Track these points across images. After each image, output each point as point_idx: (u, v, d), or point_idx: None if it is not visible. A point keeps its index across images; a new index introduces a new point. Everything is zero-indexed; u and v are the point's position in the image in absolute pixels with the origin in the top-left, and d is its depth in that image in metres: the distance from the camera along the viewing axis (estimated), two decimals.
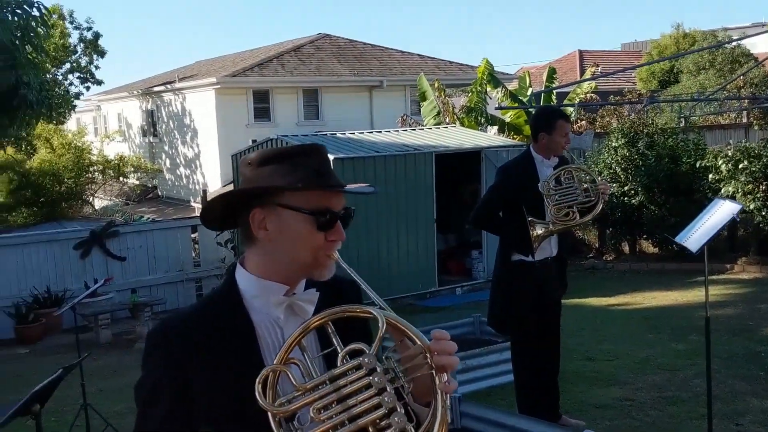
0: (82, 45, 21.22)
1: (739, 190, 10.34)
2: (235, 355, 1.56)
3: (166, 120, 21.24)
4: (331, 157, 9.98)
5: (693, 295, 9.25)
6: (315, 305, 1.64)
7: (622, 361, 6.61)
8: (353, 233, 10.25)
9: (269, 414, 1.44)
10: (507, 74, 21.91)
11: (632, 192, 11.71)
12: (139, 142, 22.68)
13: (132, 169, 18.36)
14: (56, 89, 19.81)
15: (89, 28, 21.35)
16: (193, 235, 12.83)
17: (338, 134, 11.78)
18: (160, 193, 21.41)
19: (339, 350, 1.50)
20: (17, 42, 8.74)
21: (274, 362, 1.49)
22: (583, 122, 13.82)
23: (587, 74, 14.90)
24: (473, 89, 14.12)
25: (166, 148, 21.16)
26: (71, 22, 21.23)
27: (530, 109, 13.19)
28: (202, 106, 19.18)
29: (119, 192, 21.11)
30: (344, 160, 10.08)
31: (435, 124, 13.93)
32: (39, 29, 9.00)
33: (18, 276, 11.06)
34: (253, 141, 13.16)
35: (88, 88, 21.45)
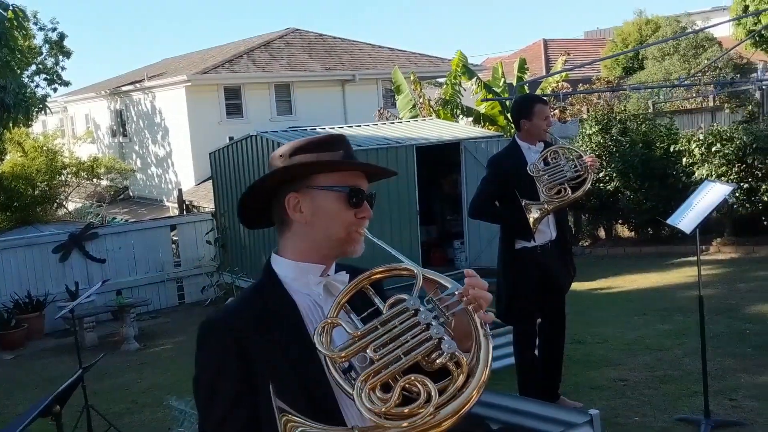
0: (47, 46, 20.90)
1: (713, 173, 10.57)
2: (285, 333, 1.67)
3: (135, 119, 21.02)
4: None
5: (672, 277, 9.49)
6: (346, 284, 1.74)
7: (612, 343, 6.78)
8: None
9: (328, 361, 1.55)
10: (475, 65, 22.07)
11: (607, 178, 11.91)
12: (108, 142, 22.42)
13: (105, 170, 18.15)
14: (23, 92, 19.47)
15: (54, 29, 21.02)
16: (172, 235, 12.77)
17: (318, 129, 11.80)
18: (131, 194, 21.21)
19: (381, 306, 1.63)
20: None
21: (328, 315, 1.61)
22: (556, 111, 14.00)
23: (558, 63, 15.09)
24: (448, 81, 14.23)
25: (137, 147, 20.95)
26: (35, 23, 20.87)
27: (507, 101, 13.34)
28: (172, 104, 19.02)
29: (92, 193, 20.84)
30: None
31: (411, 117, 14.02)
32: (14, 31, 8.89)
33: None
34: (230, 138, 13.09)
35: (55, 90, 21.18)
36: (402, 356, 1.53)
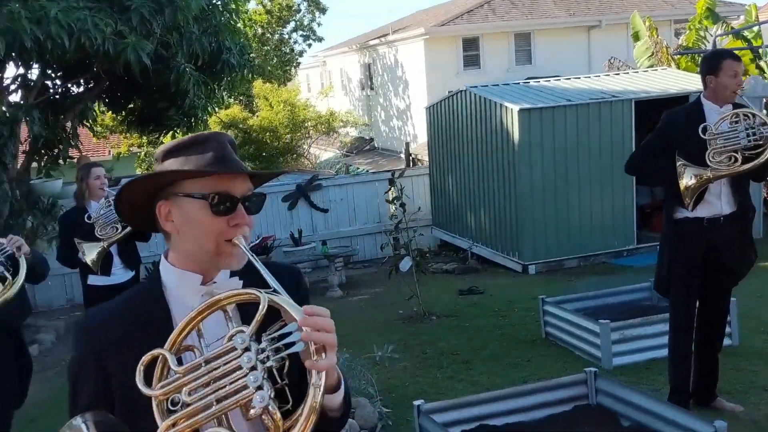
0: (305, 4, 22.32)
1: None
2: (150, 343, 1.55)
3: (381, 73, 21.77)
4: (515, 108, 9.65)
5: None
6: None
7: None
8: (541, 187, 9.90)
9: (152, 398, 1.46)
10: (738, 3, 19.64)
11: None
12: (358, 95, 23.52)
13: (342, 124, 19.10)
14: (282, 48, 21.15)
15: None
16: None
17: (531, 83, 11.35)
18: (376, 145, 22.13)
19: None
20: (215, 10, 9.37)
21: (165, 347, 1.49)
22: None
23: None
24: (691, 26, 12.81)
25: (381, 100, 21.73)
26: None
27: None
28: (412, 57, 19.39)
29: (340, 144, 22.14)
30: (530, 111, 9.68)
31: (649, 66, 12.87)
32: None
33: None
34: (449, 92, 13.03)
35: (309, 46, 22.59)
36: (215, 403, 1.40)
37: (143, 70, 8.15)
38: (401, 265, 7.95)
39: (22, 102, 8.51)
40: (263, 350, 1.40)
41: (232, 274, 1.66)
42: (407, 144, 16.30)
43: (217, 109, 11.11)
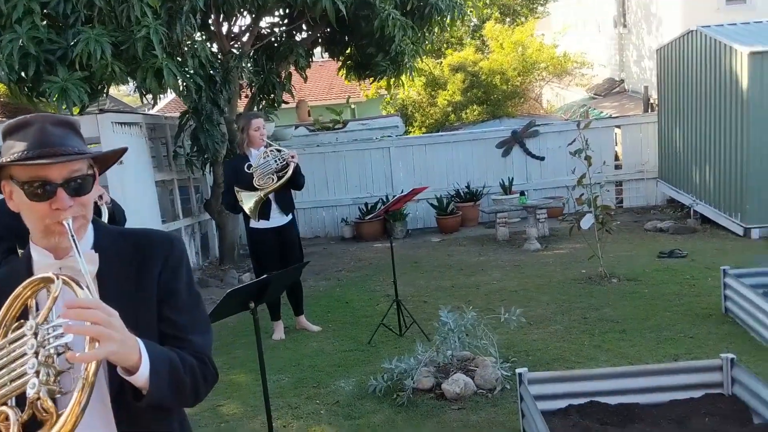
0: None
1: None
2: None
3: (634, 9, 20.19)
4: (746, 50, 8.47)
5: None
6: (97, 265, 1.66)
7: None
8: None
9: None
10: None
11: None
12: (611, 34, 22.06)
13: (576, 65, 18.01)
14: None
15: None
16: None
17: None
18: (626, 87, 20.70)
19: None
20: None
21: None
22: None
23: None
24: None
25: (633, 39, 20.19)
26: None
27: None
28: None
29: (590, 87, 21.01)
30: (764, 54, 8.44)
31: None
32: None
33: (446, 171, 12.16)
34: (689, 30, 11.70)
35: None
36: (8, 384, 1.48)
37: (344, 17, 8.41)
38: (582, 223, 7.48)
39: (237, 51, 9.19)
40: (44, 338, 1.44)
41: (100, 243, 1.71)
42: (645, 87, 15.06)
43: (423, 54, 11.07)
